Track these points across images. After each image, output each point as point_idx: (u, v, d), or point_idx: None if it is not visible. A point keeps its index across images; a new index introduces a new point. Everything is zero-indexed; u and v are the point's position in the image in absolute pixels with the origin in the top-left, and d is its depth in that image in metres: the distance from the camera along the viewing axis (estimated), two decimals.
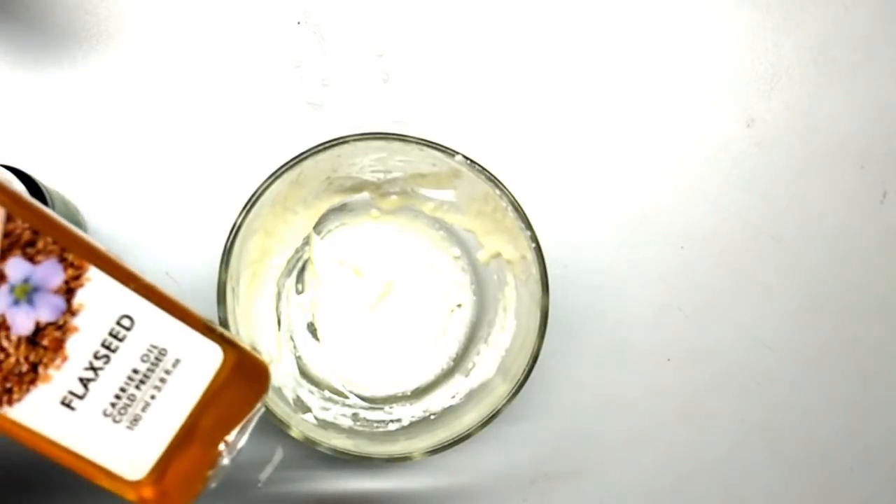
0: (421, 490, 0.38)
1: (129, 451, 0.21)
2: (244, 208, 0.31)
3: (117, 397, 0.21)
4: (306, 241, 0.37)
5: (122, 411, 0.21)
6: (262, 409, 0.23)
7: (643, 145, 0.40)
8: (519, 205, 0.32)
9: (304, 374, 0.37)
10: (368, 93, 0.39)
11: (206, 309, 0.37)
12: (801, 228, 0.41)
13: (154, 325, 0.21)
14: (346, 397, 0.37)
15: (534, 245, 0.32)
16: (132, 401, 0.21)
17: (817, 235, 0.41)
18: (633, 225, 0.40)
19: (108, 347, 0.20)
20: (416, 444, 0.32)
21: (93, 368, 0.20)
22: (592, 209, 0.40)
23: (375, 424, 0.35)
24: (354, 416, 0.36)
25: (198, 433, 0.22)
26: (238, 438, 0.22)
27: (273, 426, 0.31)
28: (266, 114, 0.38)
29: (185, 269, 0.37)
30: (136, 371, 0.21)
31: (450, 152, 0.32)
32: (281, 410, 0.32)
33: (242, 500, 0.37)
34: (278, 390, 0.34)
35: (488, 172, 0.32)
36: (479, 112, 0.39)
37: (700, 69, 0.41)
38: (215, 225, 0.36)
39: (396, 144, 0.32)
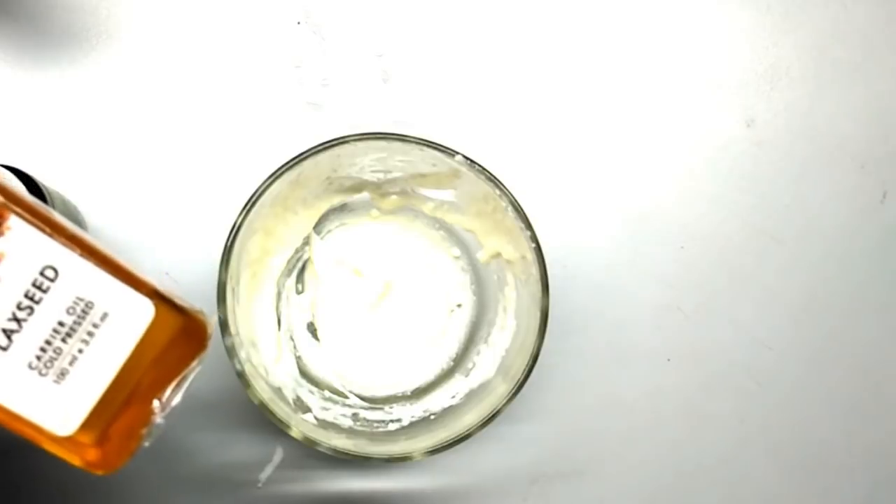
0: (421, 490, 0.38)
1: (57, 405, 0.20)
2: (244, 208, 0.31)
3: (43, 350, 0.20)
4: (306, 241, 0.37)
5: (49, 364, 0.20)
6: (199, 368, 0.22)
7: (643, 145, 0.40)
8: (519, 205, 0.32)
9: (304, 374, 0.37)
10: (368, 93, 0.39)
11: (206, 309, 0.38)
12: (801, 228, 0.41)
13: (80, 276, 0.20)
14: (346, 397, 0.37)
15: (534, 245, 0.32)
16: (59, 354, 0.20)
17: (817, 235, 0.41)
18: (633, 225, 0.40)
19: (31, 298, 0.20)
20: (416, 444, 0.32)
21: (16, 320, 0.20)
22: (592, 209, 0.40)
23: (375, 424, 0.35)
24: (354, 416, 0.36)
25: (130, 389, 0.21)
26: (172, 396, 0.22)
27: (273, 426, 0.31)
28: (266, 114, 0.38)
29: (185, 269, 0.37)
30: (61, 324, 0.20)
31: (450, 152, 0.32)
32: (281, 410, 0.32)
33: (242, 500, 0.37)
34: (278, 390, 0.34)
35: (488, 172, 0.32)
36: (479, 112, 0.39)
37: (700, 69, 0.41)
38: (215, 225, 0.36)
39: (396, 144, 0.32)
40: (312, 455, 0.37)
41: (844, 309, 0.41)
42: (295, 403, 0.34)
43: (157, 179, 0.37)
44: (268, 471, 0.37)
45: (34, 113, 0.37)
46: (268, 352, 0.35)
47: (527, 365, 0.32)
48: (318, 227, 0.37)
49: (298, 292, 0.38)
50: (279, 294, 0.37)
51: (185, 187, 0.38)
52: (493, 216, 0.35)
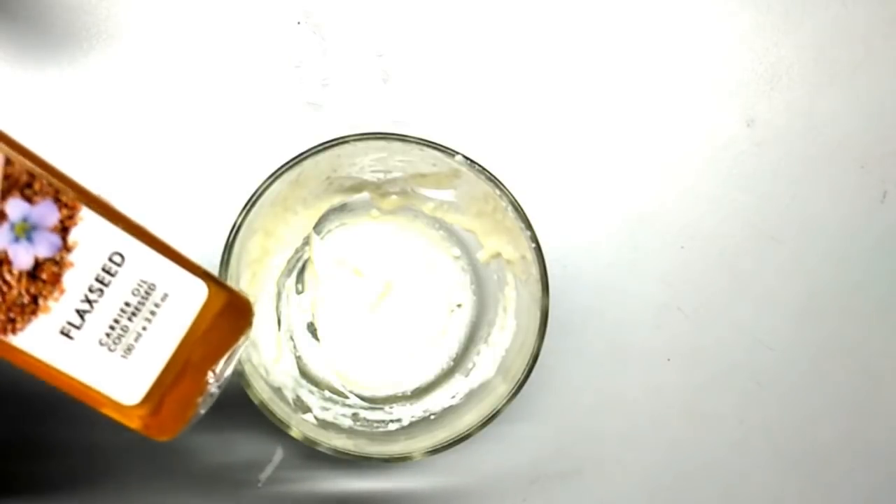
0: (421, 490, 0.38)
1: (124, 377, 0.23)
2: (244, 208, 0.31)
3: (111, 328, 0.22)
4: (306, 241, 0.37)
5: (117, 341, 0.22)
6: (247, 342, 0.25)
7: (643, 145, 0.40)
8: (519, 205, 0.32)
9: (304, 374, 0.37)
10: (368, 93, 0.39)
11: None
12: (801, 228, 0.41)
13: (142, 261, 0.22)
14: (346, 397, 0.37)
15: (534, 245, 0.32)
16: (125, 331, 0.22)
17: (817, 235, 0.41)
18: (633, 225, 0.40)
19: (101, 282, 0.22)
20: (416, 444, 0.32)
21: (88, 301, 0.22)
22: (592, 209, 0.40)
23: (375, 424, 0.36)
24: (354, 416, 0.36)
25: (187, 362, 0.23)
26: (225, 368, 0.24)
27: (273, 426, 0.31)
28: (266, 114, 0.38)
29: None
30: (127, 304, 0.22)
31: (450, 152, 0.32)
32: (281, 410, 0.32)
33: (242, 500, 0.37)
34: (278, 390, 0.34)
35: (488, 172, 0.32)
36: (479, 112, 0.39)
37: (700, 69, 0.41)
38: (215, 225, 0.36)
39: (396, 144, 0.32)
40: (312, 455, 0.37)
41: (844, 309, 0.41)
42: (295, 403, 0.34)
43: (157, 179, 0.37)
44: (268, 471, 0.37)
45: (34, 112, 0.37)
46: (268, 352, 0.35)
47: (527, 365, 0.32)
48: (318, 227, 0.37)
49: (298, 292, 0.38)
50: (279, 294, 0.37)
51: (184, 187, 0.38)
52: (493, 216, 0.35)
